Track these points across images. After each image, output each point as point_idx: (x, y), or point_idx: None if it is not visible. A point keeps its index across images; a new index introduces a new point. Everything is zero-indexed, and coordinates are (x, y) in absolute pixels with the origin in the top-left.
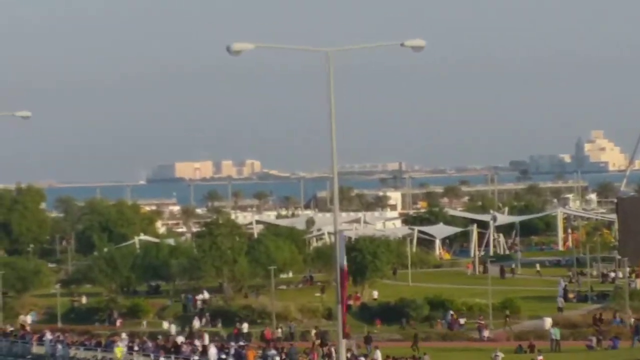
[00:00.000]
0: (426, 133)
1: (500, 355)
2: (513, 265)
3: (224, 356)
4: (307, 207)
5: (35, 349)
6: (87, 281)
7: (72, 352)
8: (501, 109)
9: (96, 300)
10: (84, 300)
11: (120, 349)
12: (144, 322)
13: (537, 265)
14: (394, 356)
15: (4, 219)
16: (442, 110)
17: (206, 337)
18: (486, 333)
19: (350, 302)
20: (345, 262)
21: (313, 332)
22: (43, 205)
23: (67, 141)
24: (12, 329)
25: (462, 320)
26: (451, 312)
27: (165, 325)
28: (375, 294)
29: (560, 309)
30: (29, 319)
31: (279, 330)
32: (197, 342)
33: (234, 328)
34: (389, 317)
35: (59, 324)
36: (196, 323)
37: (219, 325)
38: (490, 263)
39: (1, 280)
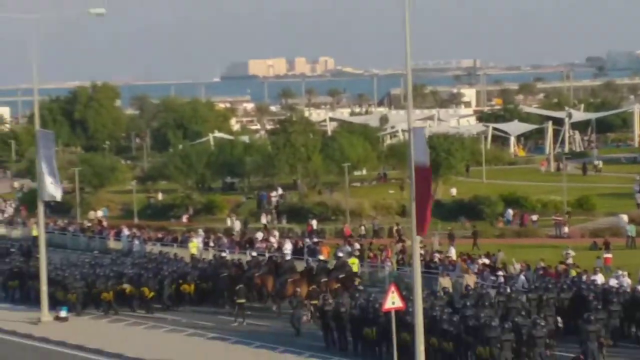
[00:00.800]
0: (501, 29)
1: (571, 252)
2: (596, 162)
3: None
4: (380, 104)
5: (113, 245)
6: (163, 178)
7: (149, 247)
8: (578, 3)
9: (172, 196)
10: (159, 196)
11: (194, 244)
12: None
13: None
14: (468, 252)
15: (80, 116)
16: (517, 4)
17: (275, 233)
18: (566, 229)
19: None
20: (428, 160)
21: (395, 228)
22: (118, 103)
23: (143, 39)
24: (89, 224)
25: (534, 217)
26: (510, 210)
27: (229, 222)
28: (454, 191)
29: (638, 206)
30: (99, 214)
31: (362, 227)
32: (272, 239)
33: (307, 225)
34: (463, 214)
35: (136, 220)
36: (264, 219)
37: (284, 221)
38: (566, 160)
39: (78, 176)
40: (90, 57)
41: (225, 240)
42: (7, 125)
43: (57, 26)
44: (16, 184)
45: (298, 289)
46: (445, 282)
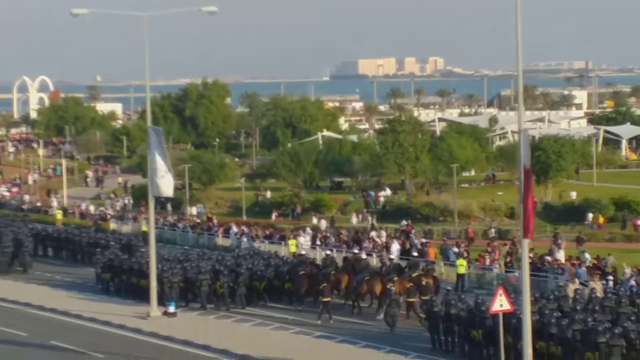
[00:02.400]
0: (614, 30)
1: None
2: None
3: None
4: (490, 105)
5: (221, 241)
6: (271, 176)
7: (257, 244)
8: None
9: (280, 194)
10: (268, 194)
11: (293, 241)
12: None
13: None
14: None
15: (191, 113)
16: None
17: (383, 233)
18: None
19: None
20: (529, 161)
21: (493, 230)
22: (228, 101)
23: (253, 37)
24: (199, 220)
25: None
26: (590, 214)
27: (315, 220)
28: (574, 194)
29: None
30: (194, 210)
31: (492, 229)
32: (377, 239)
33: (407, 225)
34: (573, 218)
35: (244, 217)
36: (354, 219)
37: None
38: None
39: (188, 172)
40: (201, 54)
41: (332, 239)
42: (119, 121)
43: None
44: (120, 179)
45: (392, 287)
46: (571, 288)
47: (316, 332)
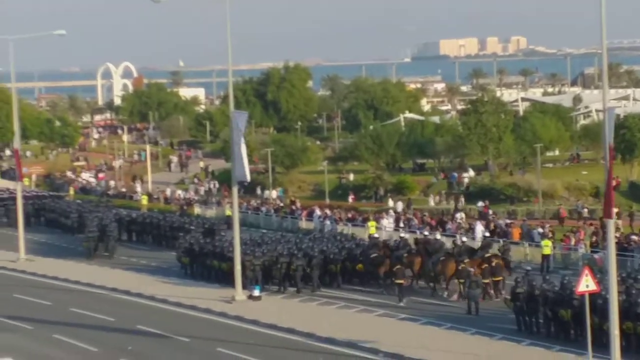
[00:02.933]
0: None
1: None
2: None
3: (487, 233)
4: (574, 83)
5: (305, 225)
6: (354, 158)
7: (340, 227)
8: None
9: (362, 177)
10: (350, 177)
11: (373, 223)
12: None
13: None
14: None
15: (273, 97)
16: None
17: (462, 215)
18: None
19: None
20: (611, 139)
21: (586, 210)
22: (310, 84)
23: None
24: (282, 204)
25: None
26: None
27: (391, 202)
28: None
29: None
30: (274, 194)
31: (585, 209)
32: (459, 219)
33: (484, 207)
34: None
35: (327, 200)
36: (431, 201)
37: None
38: None
39: (270, 156)
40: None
41: (415, 220)
42: (202, 106)
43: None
44: (202, 164)
45: (471, 269)
46: None
47: (400, 315)
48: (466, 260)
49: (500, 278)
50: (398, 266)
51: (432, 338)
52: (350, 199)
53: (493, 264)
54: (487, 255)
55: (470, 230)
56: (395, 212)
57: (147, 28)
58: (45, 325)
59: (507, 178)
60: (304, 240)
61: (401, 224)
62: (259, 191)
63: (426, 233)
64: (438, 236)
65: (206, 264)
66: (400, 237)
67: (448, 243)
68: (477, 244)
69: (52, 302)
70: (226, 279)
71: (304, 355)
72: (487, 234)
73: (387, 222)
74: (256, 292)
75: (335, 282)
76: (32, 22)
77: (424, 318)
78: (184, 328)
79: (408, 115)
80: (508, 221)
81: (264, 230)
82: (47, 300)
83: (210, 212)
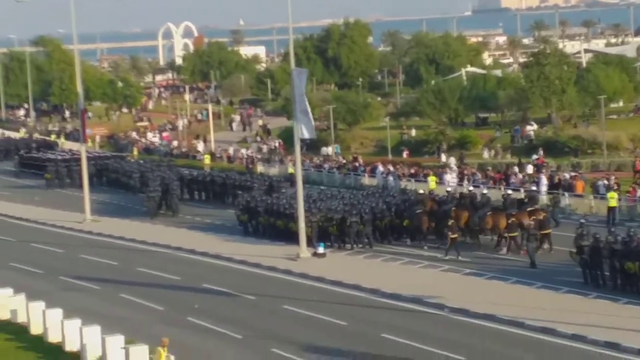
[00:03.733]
0: None
1: None
2: None
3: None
4: (637, 34)
5: (367, 181)
6: (416, 114)
7: (403, 183)
8: None
9: (425, 132)
10: (412, 132)
11: (433, 178)
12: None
13: None
14: None
15: (333, 54)
16: None
17: (529, 168)
18: None
19: None
20: None
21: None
22: (370, 40)
23: None
24: (344, 161)
25: None
26: None
27: (444, 158)
28: None
29: None
30: (330, 150)
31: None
32: (519, 174)
33: (538, 158)
34: None
35: (389, 156)
36: (485, 154)
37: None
38: None
39: (332, 113)
40: None
41: (478, 175)
42: (263, 65)
43: None
44: (260, 122)
45: (526, 222)
46: None
47: (465, 270)
48: (513, 213)
49: (548, 231)
50: (451, 221)
51: (497, 293)
52: (405, 154)
53: (541, 217)
54: (531, 208)
55: (535, 183)
56: (459, 166)
57: None
58: (112, 285)
59: (571, 130)
60: (357, 197)
61: (465, 180)
62: (329, 149)
63: (471, 188)
64: (485, 190)
65: (265, 222)
66: (447, 192)
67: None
68: (542, 197)
69: (119, 262)
70: (283, 236)
71: (370, 312)
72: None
73: (450, 177)
74: (320, 250)
75: (386, 239)
76: None
77: (489, 273)
78: (249, 286)
79: (470, 69)
80: (573, 173)
81: (322, 187)
82: (113, 260)
83: (274, 170)
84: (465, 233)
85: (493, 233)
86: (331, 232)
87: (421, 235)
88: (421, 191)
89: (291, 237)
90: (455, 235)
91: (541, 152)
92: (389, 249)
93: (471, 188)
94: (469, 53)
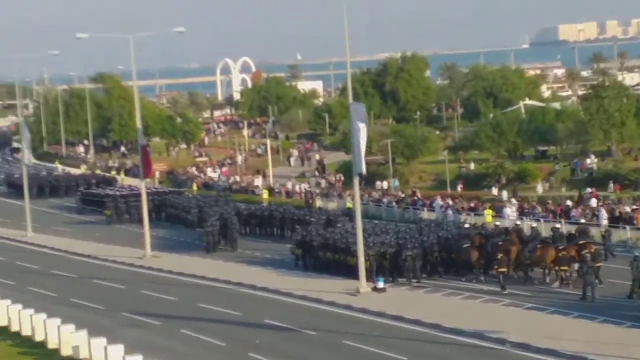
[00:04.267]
0: None
1: None
2: None
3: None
4: None
5: (426, 215)
6: (474, 147)
7: (463, 217)
8: None
9: (484, 166)
10: (471, 166)
11: (489, 211)
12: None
13: None
14: None
15: (391, 87)
16: None
17: (593, 201)
18: None
19: None
20: None
21: None
22: (428, 73)
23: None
24: (403, 195)
25: None
26: None
27: (495, 191)
28: None
29: None
30: (385, 185)
31: None
32: (592, 205)
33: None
34: None
35: (448, 190)
36: (539, 188)
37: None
38: None
39: (390, 147)
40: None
41: (539, 208)
42: (320, 99)
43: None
44: (317, 157)
45: (587, 253)
46: None
47: (526, 304)
48: (563, 246)
49: (600, 264)
50: (501, 254)
51: (558, 327)
52: (459, 187)
53: (592, 250)
54: (582, 242)
55: (595, 217)
56: (518, 200)
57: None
58: (173, 321)
59: (632, 163)
60: (410, 231)
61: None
62: (384, 183)
63: (518, 222)
64: (534, 224)
65: (318, 256)
66: (495, 226)
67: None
68: (600, 230)
69: (179, 297)
70: (338, 270)
71: (431, 347)
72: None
73: (510, 211)
74: (380, 284)
75: (436, 273)
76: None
77: (551, 307)
78: (309, 321)
79: (528, 102)
80: (634, 207)
81: (377, 222)
82: (173, 295)
83: (332, 205)
84: (514, 267)
85: (542, 267)
86: (385, 266)
87: (469, 269)
88: (467, 225)
89: (346, 271)
90: (505, 269)
91: (592, 188)
92: (451, 284)
93: (533, 224)
94: (527, 86)
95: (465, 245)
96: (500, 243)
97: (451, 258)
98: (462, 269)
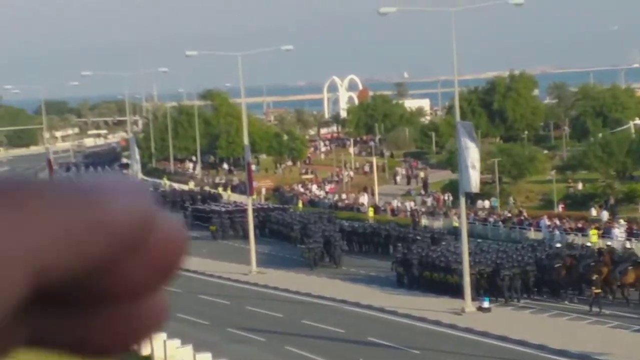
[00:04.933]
0: None
1: None
2: None
3: None
4: None
5: (533, 235)
6: (582, 167)
7: (570, 238)
8: None
9: (592, 186)
10: (579, 186)
11: (594, 232)
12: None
13: None
14: None
15: (499, 107)
16: None
17: None
18: None
19: None
20: None
21: None
22: (536, 92)
23: (560, 26)
24: (509, 215)
25: None
26: None
27: (594, 212)
28: None
29: None
30: (487, 204)
31: None
32: None
33: None
34: None
35: (555, 210)
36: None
37: None
38: None
39: (497, 166)
40: (507, 46)
41: None
42: (427, 117)
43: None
44: (422, 174)
45: None
46: None
47: (634, 326)
48: None
49: None
50: (595, 275)
51: None
52: (560, 207)
53: None
54: None
55: None
56: (626, 221)
57: (372, 41)
58: (277, 337)
59: None
60: (510, 250)
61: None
62: (485, 202)
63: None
64: (627, 245)
65: (418, 274)
66: (585, 246)
67: None
68: None
69: (284, 314)
70: (439, 289)
71: None
72: None
73: (619, 232)
74: (485, 304)
75: (531, 292)
76: (260, 37)
77: None
78: (414, 340)
79: (638, 122)
80: None
81: (479, 240)
82: (278, 312)
83: (437, 223)
84: (606, 288)
85: (636, 288)
86: (482, 286)
87: (561, 289)
88: (558, 245)
89: (448, 290)
90: (599, 290)
91: None
92: (559, 305)
93: (609, 243)
94: (638, 105)
95: (556, 265)
96: (593, 264)
97: (544, 278)
98: (554, 289)
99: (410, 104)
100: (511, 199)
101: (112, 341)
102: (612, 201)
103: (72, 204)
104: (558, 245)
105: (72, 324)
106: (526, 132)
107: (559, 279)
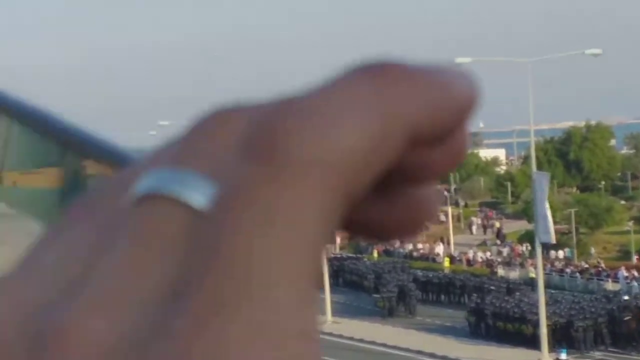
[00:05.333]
0: None
1: None
2: None
3: None
4: None
5: (610, 286)
6: None
7: None
8: None
9: None
10: None
11: None
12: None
13: None
14: None
15: (575, 157)
16: None
17: None
18: None
19: None
20: None
21: None
22: (613, 142)
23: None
24: (586, 266)
25: None
26: None
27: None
28: None
29: None
30: (560, 254)
31: None
32: None
33: None
34: None
35: (634, 261)
36: None
37: None
38: None
39: (574, 217)
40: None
41: None
42: (503, 167)
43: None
44: (497, 224)
45: None
46: None
47: None
48: None
49: None
50: None
51: None
52: (635, 259)
53: None
54: None
55: None
56: None
57: None
58: None
59: None
60: (584, 302)
61: None
62: (559, 252)
63: None
64: None
65: (494, 324)
66: None
67: None
68: None
69: None
70: (515, 340)
71: None
72: None
73: None
74: (563, 356)
75: (602, 344)
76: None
77: None
78: None
79: None
80: None
81: (552, 291)
82: None
83: (514, 274)
84: None
85: None
86: (557, 337)
87: (631, 342)
88: (626, 297)
89: (523, 341)
90: None
91: None
92: (632, 357)
93: None
94: None
95: (626, 318)
96: None
97: (615, 330)
98: (625, 342)
99: (485, 153)
100: (592, 250)
101: (403, 224)
102: None
103: (431, 82)
104: (626, 297)
105: (380, 204)
106: (603, 183)
107: (629, 331)
